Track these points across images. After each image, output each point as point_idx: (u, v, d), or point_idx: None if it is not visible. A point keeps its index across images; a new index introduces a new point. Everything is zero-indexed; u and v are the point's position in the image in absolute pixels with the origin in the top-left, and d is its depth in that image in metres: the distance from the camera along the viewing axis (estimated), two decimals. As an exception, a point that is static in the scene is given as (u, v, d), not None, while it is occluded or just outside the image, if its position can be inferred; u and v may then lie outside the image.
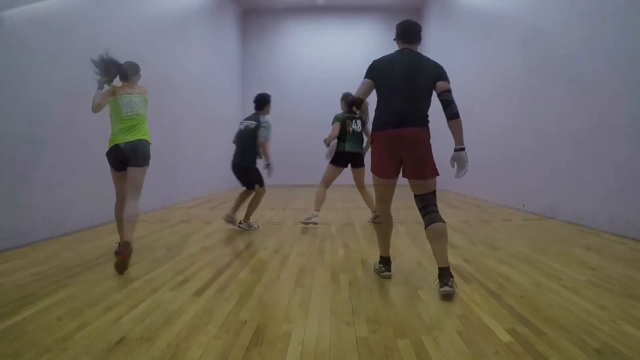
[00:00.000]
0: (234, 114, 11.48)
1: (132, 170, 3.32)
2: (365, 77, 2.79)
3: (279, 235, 4.42)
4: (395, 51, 2.80)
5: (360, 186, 5.02)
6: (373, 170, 2.76)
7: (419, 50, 2.80)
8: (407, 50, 2.76)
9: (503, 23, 6.78)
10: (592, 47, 4.48)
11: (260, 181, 4.78)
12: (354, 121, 4.87)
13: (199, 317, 2.11)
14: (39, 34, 4.09)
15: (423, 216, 2.63)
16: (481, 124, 7.60)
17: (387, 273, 2.82)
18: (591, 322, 1.98)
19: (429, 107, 2.74)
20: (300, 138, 11.17)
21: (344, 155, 4.88)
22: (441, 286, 2.39)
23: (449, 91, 2.64)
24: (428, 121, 2.73)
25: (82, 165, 4.73)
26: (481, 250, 3.58)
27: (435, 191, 2.69)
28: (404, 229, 4.66)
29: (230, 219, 4.70)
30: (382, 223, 2.86)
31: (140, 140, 3.34)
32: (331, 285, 2.66)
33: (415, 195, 2.69)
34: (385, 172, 2.70)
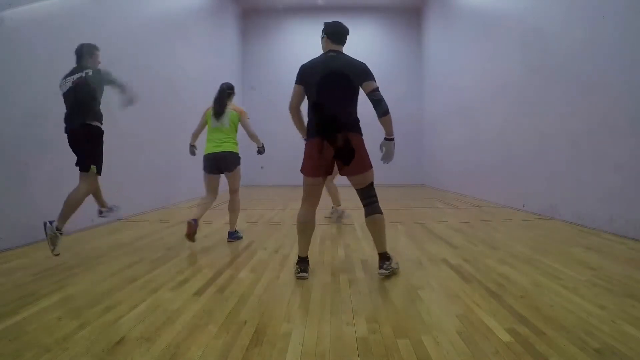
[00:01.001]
0: (234, 114, 11.50)
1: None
2: (295, 83, 2.93)
3: (279, 235, 4.42)
4: (322, 54, 2.95)
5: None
6: (303, 170, 2.87)
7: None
8: (332, 53, 2.92)
9: (503, 23, 6.78)
10: (592, 47, 4.48)
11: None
12: None
13: (199, 317, 2.11)
14: (39, 34, 4.09)
15: (364, 207, 2.82)
16: (481, 124, 7.60)
17: (303, 274, 2.77)
18: (591, 322, 1.98)
19: (356, 107, 2.90)
20: (300, 138, 11.16)
21: None
22: (379, 268, 2.72)
23: (376, 90, 2.77)
24: (358, 121, 2.88)
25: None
26: (481, 250, 3.58)
27: (372, 183, 2.83)
28: (404, 229, 4.66)
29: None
30: (306, 222, 2.86)
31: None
32: (331, 285, 2.66)
33: (356, 189, 2.87)
34: (316, 172, 2.83)
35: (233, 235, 4.24)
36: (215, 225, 5.07)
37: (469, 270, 2.96)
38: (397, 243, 3.99)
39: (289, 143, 10.64)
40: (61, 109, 4.38)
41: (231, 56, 11.25)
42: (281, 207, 6.78)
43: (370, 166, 2.83)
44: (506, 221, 5.14)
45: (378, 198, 2.86)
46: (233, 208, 4.31)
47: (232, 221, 4.29)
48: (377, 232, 2.79)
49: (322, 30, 3.08)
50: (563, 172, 5.09)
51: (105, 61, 5.17)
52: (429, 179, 11.28)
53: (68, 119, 3.38)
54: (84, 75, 3.33)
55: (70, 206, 3.29)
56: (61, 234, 3.26)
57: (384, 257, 2.77)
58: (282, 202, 7.62)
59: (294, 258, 3.37)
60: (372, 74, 2.79)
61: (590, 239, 3.96)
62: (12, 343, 1.81)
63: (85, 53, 3.51)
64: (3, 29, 3.67)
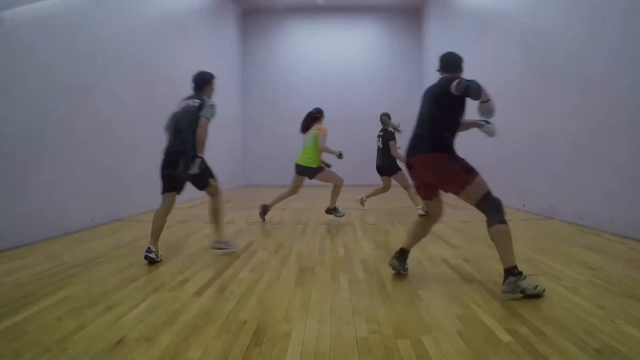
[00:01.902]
0: (234, 114, 11.49)
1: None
2: None
3: (279, 235, 4.42)
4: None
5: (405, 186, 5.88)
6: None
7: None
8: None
9: (503, 23, 6.78)
10: (592, 47, 4.48)
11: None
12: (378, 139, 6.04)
13: (199, 317, 2.11)
14: (39, 34, 4.09)
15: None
16: (481, 124, 7.59)
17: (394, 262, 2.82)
18: (591, 322, 1.98)
19: (445, 125, 2.72)
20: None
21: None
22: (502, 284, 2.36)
23: (458, 82, 2.59)
24: (444, 141, 2.69)
25: (82, 165, 4.74)
26: (481, 250, 3.58)
27: (482, 198, 2.56)
28: (404, 229, 4.66)
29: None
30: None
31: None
32: (331, 285, 2.66)
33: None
34: (424, 195, 2.87)
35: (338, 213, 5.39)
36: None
37: (469, 270, 2.96)
38: (398, 243, 3.99)
39: (288, 143, 10.66)
40: (61, 108, 4.40)
41: (231, 56, 11.24)
42: (281, 207, 6.77)
43: (468, 181, 2.57)
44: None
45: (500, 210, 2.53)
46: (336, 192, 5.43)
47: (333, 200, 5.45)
48: (497, 244, 2.45)
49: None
50: (563, 172, 5.09)
51: (105, 61, 5.19)
52: (429, 179, 11.29)
53: (170, 140, 3.46)
54: (195, 104, 3.42)
55: (218, 215, 3.62)
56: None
57: (508, 272, 2.35)
58: (282, 202, 7.62)
59: (294, 258, 3.38)
60: (454, 79, 2.63)
61: (590, 239, 3.96)
62: (12, 343, 1.81)
63: (202, 81, 3.59)
64: (3, 29, 3.67)
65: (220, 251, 3.50)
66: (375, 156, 6.08)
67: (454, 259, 3.29)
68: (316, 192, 8.25)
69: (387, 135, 5.93)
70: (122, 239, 4.14)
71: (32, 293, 2.47)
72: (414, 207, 6.37)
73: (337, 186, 5.36)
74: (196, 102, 3.43)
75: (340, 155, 5.31)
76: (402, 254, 2.86)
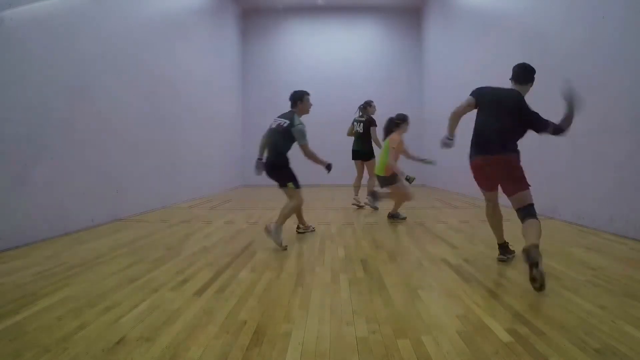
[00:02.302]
0: (234, 114, 11.50)
1: None
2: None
3: (279, 235, 4.41)
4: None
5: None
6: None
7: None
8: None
9: (503, 23, 6.78)
10: (592, 47, 4.48)
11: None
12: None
13: (199, 317, 2.11)
14: (39, 34, 4.09)
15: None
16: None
17: (508, 256, 3.17)
18: (591, 322, 1.98)
19: (516, 133, 3.24)
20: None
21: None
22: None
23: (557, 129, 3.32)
24: (516, 146, 3.20)
25: (82, 165, 4.74)
26: (481, 250, 3.58)
27: (528, 205, 3.00)
28: (404, 229, 4.67)
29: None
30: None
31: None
32: (331, 285, 2.66)
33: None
34: (490, 187, 3.29)
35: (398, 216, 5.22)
36: (215, 225, 5.07)
37: (469, 270, 2.96)
38: (398, 243, 3.99)
39: (289, 143, 10.69)
40: (61, 108, 4.40)
41: (231, 56, 11.24)
42: (281, 207, 6.78)
43: (527, 187, 3.00)
44: (506, 221, 5.10)
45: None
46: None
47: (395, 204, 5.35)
48: (528, 230, 2.71)
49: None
50: (563, 172, 5.09)
51: (105, 61, 5.19)
52: (429, 179, 11.28)
53: (269, 152, 4.17)
54: (284, 125, 4.08)
55: (285, 215, 3.93)
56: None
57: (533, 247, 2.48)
58: (282, 202, 7.62)
59: (294, 258, 3.38)
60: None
61: (590, 239, 3.96)
62: (12, 343, 1.81)
63: (296, 98, 4.31)
64: (3, 29, 3.67)
65: (270, 236, 3.73)
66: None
67: (454, 259, 3.29)
68: (316, 192, 8.26)
69: (370, 121, 6.25)
70: (122, 239, 4.14)
71: (32, 293, 2.47)
72: (413, 208, 6.37)
73: (398, 200, 5.25)
74: (286, 122, 4.08)
75: (410, 179, 5.07)
76: (503, 249, 3.22)
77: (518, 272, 2.88)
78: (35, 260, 3.28)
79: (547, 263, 3.09)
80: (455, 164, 9.67)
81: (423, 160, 5.40)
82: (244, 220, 5.47)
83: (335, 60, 12.03)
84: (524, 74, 3.27)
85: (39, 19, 4.11)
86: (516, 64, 3.35)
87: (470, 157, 3.15)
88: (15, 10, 3.79)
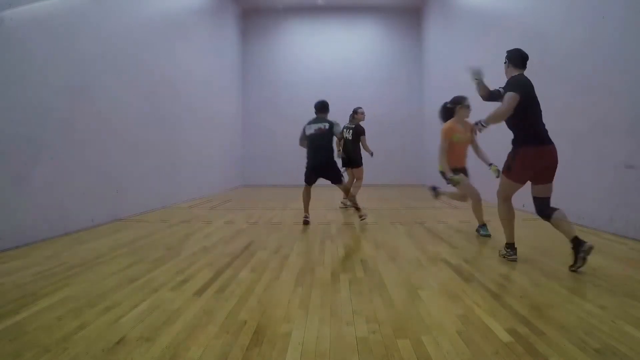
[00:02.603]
0: (234, 114, 11.49)
1: None
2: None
3: (279, 235, 4.42)
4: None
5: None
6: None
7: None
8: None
9: (503, 23, 6.78)
10: (592, 47, 4.48)
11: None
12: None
13: (199, 317, 2.11)
14: (39, 34, 4.09)
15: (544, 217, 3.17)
16: (481, 124, 7.59)
17: (511, 253, 3.23)
18: (591, 322, 1.98)
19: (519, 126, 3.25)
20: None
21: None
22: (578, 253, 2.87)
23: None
24: (519, 139, 3.24)
25: (82, 165, 4.74)
26: (481, 250, 3.58)
27: (549, 196, 3.26)
28: (404, 229, 4.66)
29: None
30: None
31: None
32: (331, 285, 2.66)
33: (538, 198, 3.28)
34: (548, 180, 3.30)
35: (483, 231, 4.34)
36: (215, 225, 5.07)
37: (469, 270, 2.96)
38: (398, 243, 3.99)
39: (289, 143, 10.67)
40: (61, 108, 4.40)
41: (231, 56, 11.24)
42: (281, 207, 6.78)
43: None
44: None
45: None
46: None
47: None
48: (560, 227, 3.01)
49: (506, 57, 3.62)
50: (563, 172, 5.07)
51: (105, 61, 5.19)
52: (429, 179, 11.28)
53: (315, 155, 5.05)
54: (325, 127, 5.06)
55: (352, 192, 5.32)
56: None
57: (576, 241, 2.90)
58: (282, 202, 7.62)
59: (294, 258, 3.38)
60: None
61: (590, 239, 3.94)
62: (12, 343, 1.81)
63: (323, 108, 5.24)
64: (3, 29, 3.67)
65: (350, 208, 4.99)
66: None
67: (454, 259, 3.29)
68: (316, 193, 8.26)
69: (358, 129, 6.31)
70: (122, 239, 4.14)
71: (32, 293, 2.47)
72: (414, 207, 6.37)
73: (474, 203, 4.40)
74: (326, 125, 5.06)
75: (453, 180, 4.22)
76: (511, 247, 3.26)
77: (518, 272, 2.88)
78: (35, 260, 3.28)
79: (547, 263, 3.10)
80: (455, 164, 9.68)
81: (490, 166, 4.20)
82: (244, 220, 5.47)
83: (335, 60, 12.03)
84: (524, 60, 3.54)
85: (39, 19, 4.11)
86: (513, 49, 3.60)
87: (525, 147, 3.17)
88: (15, 10, 3.79)
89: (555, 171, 3.19)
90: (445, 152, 4.29)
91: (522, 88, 3.14)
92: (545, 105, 4.25)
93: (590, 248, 2.84)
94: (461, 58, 8.75)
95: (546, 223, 3.11)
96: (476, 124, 3.30)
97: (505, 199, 3.33)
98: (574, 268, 2.85)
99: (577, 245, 2.86)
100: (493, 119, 3.16)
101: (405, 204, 7.25)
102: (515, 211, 3.40)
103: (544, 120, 3.26)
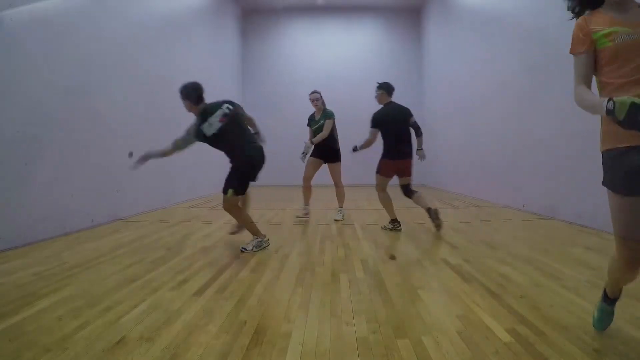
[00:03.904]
0: (234, 114, 11.49)
1: None
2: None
3: (279, 235, 4.42)
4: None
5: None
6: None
7: None
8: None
9: (503, 23, 6.78)
10: (592, 47, 4.47)
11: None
12: None
13: (199, 317, 2.11)
14: (39, 34, 4.09)
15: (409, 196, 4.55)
16: (481, 123, 7.60)
17: (399, 228, 4.57)
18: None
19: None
20: (300, 138, 11.17)
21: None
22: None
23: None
24: (382, 153, 4.67)
25: (82, 165, 4.74)
26: (481, 250, 3.58)
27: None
28: (404, 229, 4.66)
29: None
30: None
31: None
32: (331, 285, 2.66)
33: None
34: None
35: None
36: (215, 225, 5.07)
37: (469, 270, 2.96)
38: (398, 243, 3.99)
39: (289, 143, 10.67)
40: (61, 108, 4.40)
41: (231, 56, 11.24)
42: (281, 207, 6.78)
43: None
44: (506, 221, 5.14)
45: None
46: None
47: None
48: (419, 202, 4.49)
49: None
50: (563, 172, 5.09)
51: (105, 61, 5.19)
52: (429, 179, 11.28)
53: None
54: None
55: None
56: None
57: (428, 211, 4.36)
58: (282, 202, 7.62)
59: (294, 258, 3.38)
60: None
61: (590, 239, 3.96)
62: (12, 343, 1.81)
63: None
64: (3, 29, 3.67)
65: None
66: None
67: (454, 259, 3.29)
68: (316, 193, 8.25)
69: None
70: (122, 239, 4.14)
71: (32, 293, 2.47)
72: (414, 207, 6.39)
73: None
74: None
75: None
76: (394, 222, 4.63)
77: (519, 272, 2.88)
78: (35, 260, 3.28)
79: (547, 263, 3.10)
80: (455, 165, 9.69)
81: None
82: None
83: (335, 61, 12.03)
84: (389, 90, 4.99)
85: (39, 19, 4.11)
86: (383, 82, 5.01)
87: (384, 159, 4.59)
88: (15, 10, 3.79)
89: (409, 171, 4.54)
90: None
91: (374, 123, 4.66)
92: (545, 105, 4.28)
93: (436, 211, 4.29)
94: (461, 58, 8.76)
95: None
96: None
97: (382, 190, 4.61)
98: (437, 229, 4.31)
99: (429, 212, 4.29)
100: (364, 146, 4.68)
101: (405, 204, 7.25)
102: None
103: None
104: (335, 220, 5.28)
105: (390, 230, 4.54)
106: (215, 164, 9.66)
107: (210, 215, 5.93)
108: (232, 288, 2.59)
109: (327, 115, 5.49)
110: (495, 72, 7.02)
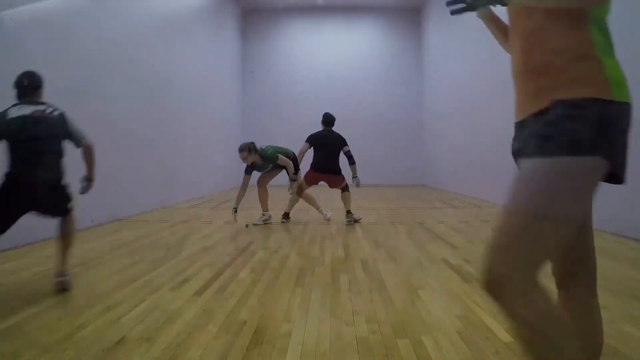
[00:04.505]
0: (234, 114, 11.50)
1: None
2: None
3: (279, 235, 4.42)
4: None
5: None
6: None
7: None
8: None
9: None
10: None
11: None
12: None
13: (199, 317, 2.11)
14: (39, 34, 4.09)
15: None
16: (481, 123, 7.60)
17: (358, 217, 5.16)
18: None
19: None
20: (300, 138, 11.16)
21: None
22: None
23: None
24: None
25: (82, 165, 4.73)
26: (481, 250, 3.57)
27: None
28: (404, 229, 4.66)
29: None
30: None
31: None
32: (331, 285, 2.66)
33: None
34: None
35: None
36: (215, 225, 5.07)
37: (469, 270, 2.96)
38: (398, 243, 3.99)
39: (289, 143, 10.67)
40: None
41: (231, 56, 11.25)
42: (280, 208, 6.78)
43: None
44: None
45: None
46: None
47: None
48: (345, 202, 5.23)
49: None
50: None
51: (105, 61, 5.19)
52: (429, 179, 11.29)
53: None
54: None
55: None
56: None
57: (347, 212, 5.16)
58: (281, 202, 7.62)
59: (294, 258, 3.38)
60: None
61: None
62: (12, 343, 1.81)
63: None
64: (3, 29, 3.67)
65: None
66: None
67: (454, 259, 3.29)
68: (316, 193, 8.25)
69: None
70: (122, 239, 4.14)
71: (32, 293, 2.47)
72: (414, 207, 6.38)
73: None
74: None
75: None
76: (349, 213, 5.15)
77: (518, 272, 2.88)
78: (35, 260, 3.29)
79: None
80: (455, 165, 9.69)
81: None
82: (244, 220, 5.46)
83: (335, 61, 12.04)
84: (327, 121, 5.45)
85: (39, 19, 4.11)
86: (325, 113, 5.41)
87: (311, 170, 5.25)
88: (15, 10, 3.79)
89: (336, 184, 5.27)
90: None
91: (310, 139, 5.30)
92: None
93: (350, 213, 5.13)
94: (460, 58, 8.76)
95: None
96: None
97: (302, 191, 5.18)
98: (349, 223, 5.02)
99: (348, 213, 5.12)
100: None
101: (405, 204, 7.26)
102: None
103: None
104: (255, 225, 4.97)
105: (355, 222, 5.05)
106: (215, 164, 9.70)
107: (210, 215, 5.93)
108: (232, 288, 2.59)
109: (270, 157, 4.92)
110: (495, 72, 7.02)
